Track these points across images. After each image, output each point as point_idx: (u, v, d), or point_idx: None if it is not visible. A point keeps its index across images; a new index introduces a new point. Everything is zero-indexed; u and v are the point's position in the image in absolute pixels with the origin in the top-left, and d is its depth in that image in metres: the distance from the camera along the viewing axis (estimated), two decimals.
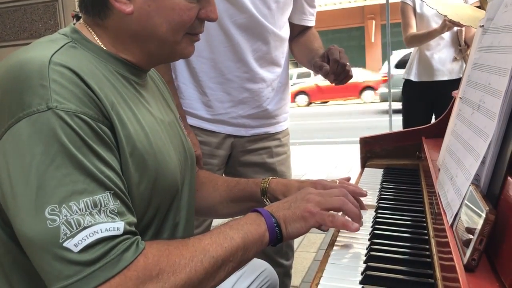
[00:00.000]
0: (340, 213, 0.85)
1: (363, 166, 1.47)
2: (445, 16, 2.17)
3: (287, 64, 1.53)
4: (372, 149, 1.51)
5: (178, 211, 0.90)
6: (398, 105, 6.75)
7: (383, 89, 11.28)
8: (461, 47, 2.70)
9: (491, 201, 0.56)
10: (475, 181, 0.63)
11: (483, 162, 0.62)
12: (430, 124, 1.49)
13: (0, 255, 0.73)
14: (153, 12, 0.78)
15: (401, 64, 8.70)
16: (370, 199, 1.12)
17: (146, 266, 0.65)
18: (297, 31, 1.55)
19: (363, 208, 0.97)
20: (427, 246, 0.79)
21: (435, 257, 0.71)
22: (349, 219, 0.84)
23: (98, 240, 0.63)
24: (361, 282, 0.69)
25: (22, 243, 0.65)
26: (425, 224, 0.89)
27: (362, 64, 19.87)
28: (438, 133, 1.41)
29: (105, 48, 0.80)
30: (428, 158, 1.16)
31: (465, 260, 0.53)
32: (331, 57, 1.28)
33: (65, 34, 0.79)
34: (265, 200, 1.04)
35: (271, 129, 1.50)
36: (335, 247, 0.83)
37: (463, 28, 2.62)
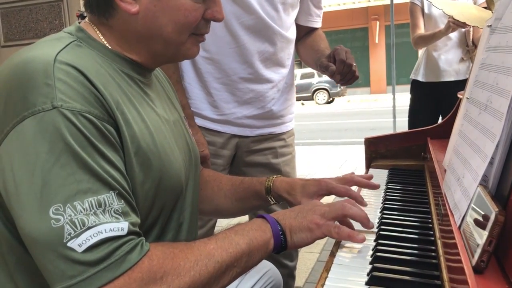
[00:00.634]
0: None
1: (368, 166, 1.47)
2: (451, 16, 2.17)
3: (293, 65, 1.52)
4: (377, 150, 1.50)
5: (182, 211, 0.89)
6: (402, 106, 6.75)
7: None
8: (469, 47, 2.69)
9: (500, 202, 0.56)
10: (483, 182, 0.62)
11: (491, 163, 0.61)
12: (435, 125, 1.49)
13: (4, 254, 0.72)
14: (158, 12, 0.77)
15: None
16: (375, 200, 1.11)
17: (150, 268, 0.65)
18: (304, 32, 1.55)
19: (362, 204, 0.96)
20: (434, 248, 0.78)
21: (442, 259, 0.70)
22: (356, 224, 0.84)
23: (102, 240, 0.62)
24: (367, 283, 0.69)
25: (26, 242, 0.65)
26: (431, 225, 0.88)
27: (366, 65, 19.85)
28: (444, 134, 1.41)
29: (110, 47, 0.80)
30: (434, 159, 1.15)
31: (474, 261, 0.52)
32: (337, 57, 1.27)
33: (70, 33, 0.79)
34: (269, 199, 1.04)
35: (276, 130, 1.49)
36: (340, 248, 0.83)
37: (471, 29, 2.61)
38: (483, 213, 0.56)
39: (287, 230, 0.80)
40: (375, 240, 0.84)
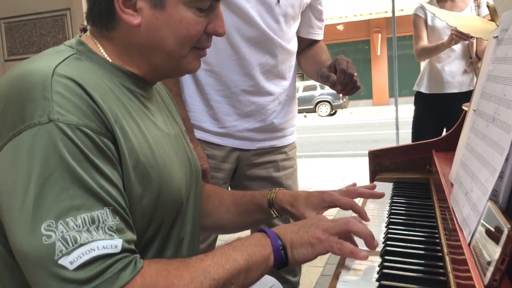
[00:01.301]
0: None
1: (372, 180, 1.44)
2: (455, 28, 2.16)
3: (294, 77, 1.51)
4: (381, 162, 1.48)
5: (183, 226, 0.88)
6: (405, 118, 6.74)
7: None
8: (472, 59, 2.68)
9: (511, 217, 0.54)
10: (493, 197, 0.60)
11: (500, 177, 0.60)
12: (440, 137, 1.47)
13: None
14: (160, 25, 0.77)
15: None
16: (380, 214, 1.09)
17: (143, 286, 0.63)
18: (305, 44, 1.54)
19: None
20: (442, 264, 0.76)
21: (451, 276, 0.68)
22: (360, 242, 0.81)
23: (95, 258, 0.61)
24: None
25: (17, 258, 0.64)
26: (438, 240, 0.86)
27: (368, 77, 19.91)
28: (449, 146, 1.39)
29: (110, 61, 0.79)
30: (440, 172, 1.13)
31: (486, 280, 0.50)
32: (338, 67, 1.26)
33: (70, 46, 0.78)
34: (272, 212, 1.02)
35: (278, 143, 1.48)
36: (345, 264, 0.81)
37: (474, 41, 2.61)
38: (494, 229, 0.54)
39: (288, 245, 0.77)
40: (381, 256, 0.81)
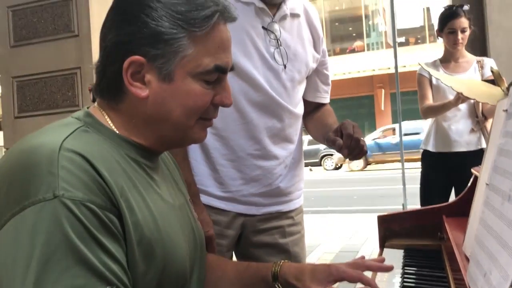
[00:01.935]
0: None
1: (382, 246, 1.40)
2: (461, 93, 2.17)
3: (301, 140, 1.51)
4: (391, 228, 1.44)
5: None
6: (411, 173, 6.70)
7: None
8: (479, 118, 2.68)
9: None
10: None
11: None
12: (450, 202, 1.44)
13: None
14: (168, 97, 0.77)
15: None
16: (389, 286, 1.04)
17: None
18: (312, 107, 1.55)
19: None
20: None
21: None
22: None
23: None
24: None
25: None
26: None
27: (373, 131, 20.05)
28: (459, 212, 1.36)
29: (117, 132, 0.79)
30: (452, 241, 1.09)
31: None
32: (344, 132, 1.25)
33: (78, 118, 0.79)
34: (277, 286, 0.98)
35: (284, 207, 1.44)
36: None
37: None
38: None
39: None
40: None
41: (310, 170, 17.10)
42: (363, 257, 1.01)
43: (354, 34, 21.32)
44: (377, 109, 20.40)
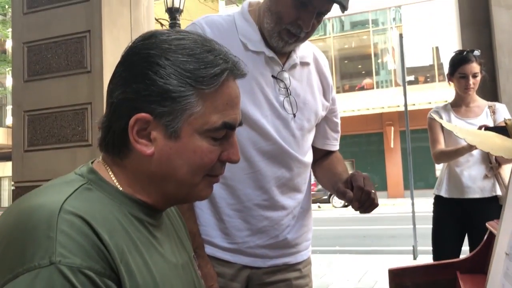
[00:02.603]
0: None
1: None
2: (474, 146, 2.12)
3: (309, 189, 1.47)
4: (402, 283, 1.38)
5: None
6: (421, 212, 6.58)
7: None
8: (492, 164, 2.61)
9: None
10: None
11: None
12: (464, 258, 1.38)
13: None
14: (174, 155, 0.75)
15: None
16: None
17: None
18: (321, 155, 1.53)
19: None
20: None
21: None
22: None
23: None
24: None
25: None
26: None
27: (382, 169, 19.93)
28: (474, 268, 1.31)
29: (121, 189, 0.77)
30: None
31: None
32: (355, 184, 1.22)
33: (81, 175, 0.77)
34: None
35: (291, 259, 1.39)
36: None
37: None
38: None
39: None
40: None
41: (319, 207, 16.91)
42: None
43: (363, 72, 21.51)
44: (386, 146, 20.31)
